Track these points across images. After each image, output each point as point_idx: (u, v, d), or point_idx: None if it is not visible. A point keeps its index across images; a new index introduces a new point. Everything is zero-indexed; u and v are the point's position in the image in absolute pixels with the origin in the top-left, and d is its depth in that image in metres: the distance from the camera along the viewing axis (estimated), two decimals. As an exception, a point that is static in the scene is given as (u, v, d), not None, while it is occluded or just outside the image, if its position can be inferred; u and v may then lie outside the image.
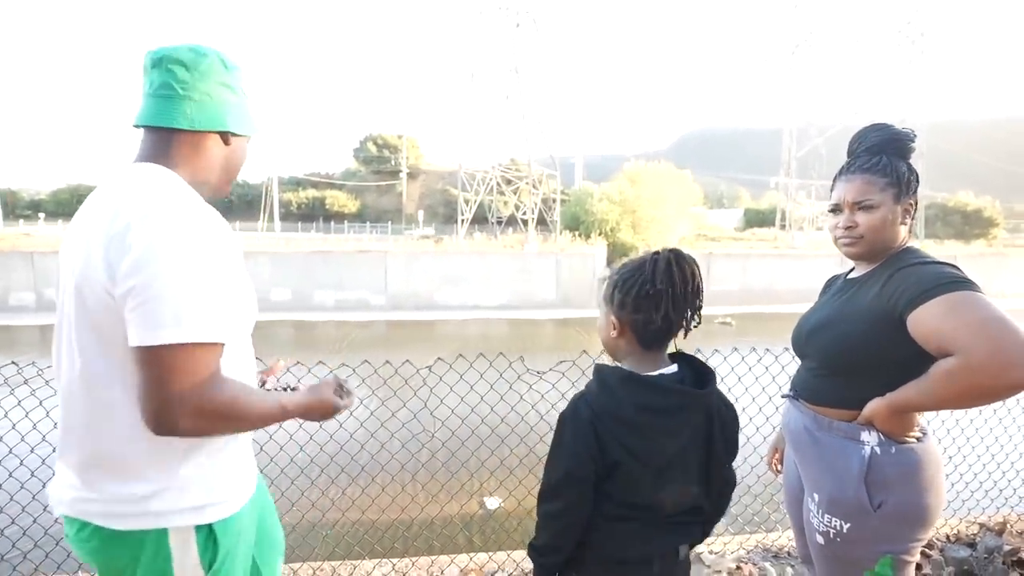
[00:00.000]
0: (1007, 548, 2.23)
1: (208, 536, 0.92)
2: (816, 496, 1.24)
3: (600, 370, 1.03)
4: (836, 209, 1.26)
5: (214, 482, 0.92)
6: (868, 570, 1.18)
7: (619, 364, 1.05)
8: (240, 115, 0.99)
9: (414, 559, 2.29)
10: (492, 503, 4.20)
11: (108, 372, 0.85)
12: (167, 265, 0.80)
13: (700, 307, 1.00)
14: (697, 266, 1.00)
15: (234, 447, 0.97)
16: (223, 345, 0.86)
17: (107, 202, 0.87)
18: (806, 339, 1.30)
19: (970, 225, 34.17)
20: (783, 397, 1.44)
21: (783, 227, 32.86)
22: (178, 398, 0.80)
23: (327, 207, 41.64)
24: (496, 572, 2.23)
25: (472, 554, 2.37)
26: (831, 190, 1.31)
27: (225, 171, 1.02)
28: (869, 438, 1.15)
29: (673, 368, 1.03)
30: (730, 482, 1.12)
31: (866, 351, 1.14)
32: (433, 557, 2.32)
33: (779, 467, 1.58)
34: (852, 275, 1.30)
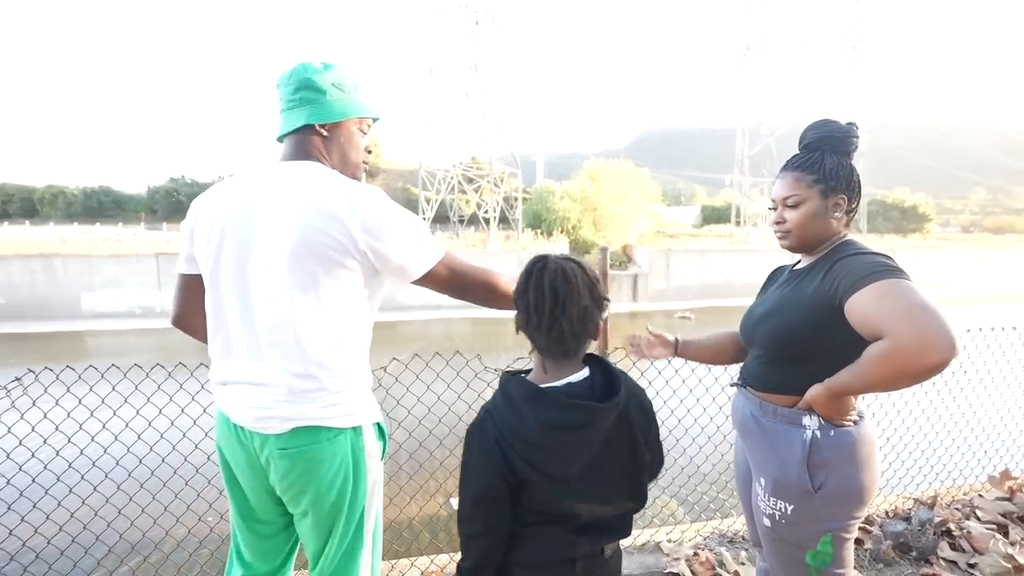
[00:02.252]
0: (937, 520, 2.38)
1: (379, 431, 1.22)
2: (763, 480, 1.27)
3: (505, 384, 0.97)
4: (772, 207, 1.32)
5: (369, 391, 1.21)
6: (811, 549, 1.22)
7: (523, 374, 1.01)
8: (320, 110, 1.17)
9: (373, 564, 2.23)
10: (456, 503, 4.15)
11: (322, 307, 1.08)
12: (398, 221, 1.11)
13: (559, 331, 0.93)
14: (575, 283, 0.93)
15: None
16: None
17: (319, 192, 1.08)
18: (754, 328, 1.33)
19: (907, 220, 36.41)
20: (731, 385, 1.47)
21: (738, 223, 34.05)
22: (469, 287, 1.20)
23: (283, 207, 40.20)
24: (458, 572, 2.21)
25: (433, 556, 2.33)
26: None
27: (342, 156, 1.21)
28: (810, 422, 1.19)
29: (583, 374, 0.97)
30: (652, 479, 1.07)
31: (809, 338, 1.18)
32: (393, 561, 2.28)
33: None
34: (797, 266, 1.35)
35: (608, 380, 0.99)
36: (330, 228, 1.05)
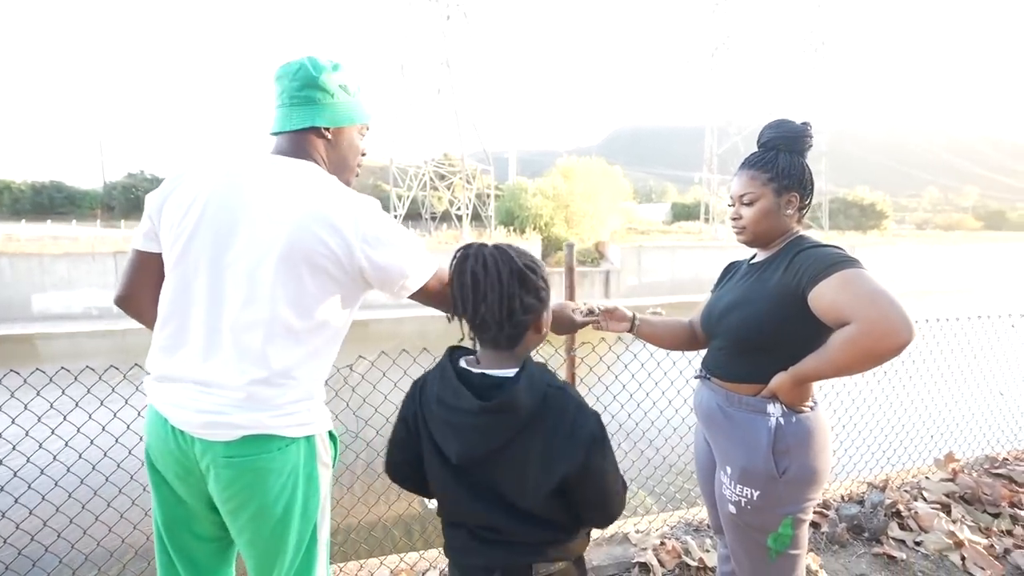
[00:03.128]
0: (888, 502, 2.50)
1: (331, 439, 1.18)
2: (729, 469, 1.31)
3: (446, 353, 1.02)
4: (731, 203, 1.39)
5: (323, 398, 1.17)
6: (773, 532, 1.27)
7: (459, 353, 1.03)
8: (329, 113, 1.13)
9: (341, 564, 2.21)
10: (429, 502, 4.12)
11: (301, 314, 1.04)
12: (398, 237, 1.09)
13: (481, 318, 0.94)
14: (495, 271, 0.93)
15: None
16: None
17: (302, 189, 1.04)
18: (717, 320, 1.37)
19: (866, 217, 37.95)
20: (695, 377, 1.50)
21: (707, 220, 34.86)
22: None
23: (250, 203, 39.08)
24: (428, 570, 2.20)
25: (402, 554, 2.32)
26: None
27: (341, 160, 1.19)
28: (774, 410, 1.24)
29: (507, 372, 0.94)
30: (597, 505, 0.96)
31: (775, 328, 1.22)
32: (362, 561, 2.26)
33: None
34: (754, 260, 1.40)
35: (529, 388, 0.91)
36: (329, 238, 1.02)
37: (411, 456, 1.02)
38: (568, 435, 0.91)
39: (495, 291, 0.92)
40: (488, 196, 26.33)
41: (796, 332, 1.20)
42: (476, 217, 26.43)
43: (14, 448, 1.75)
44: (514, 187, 27.48)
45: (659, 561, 2.19)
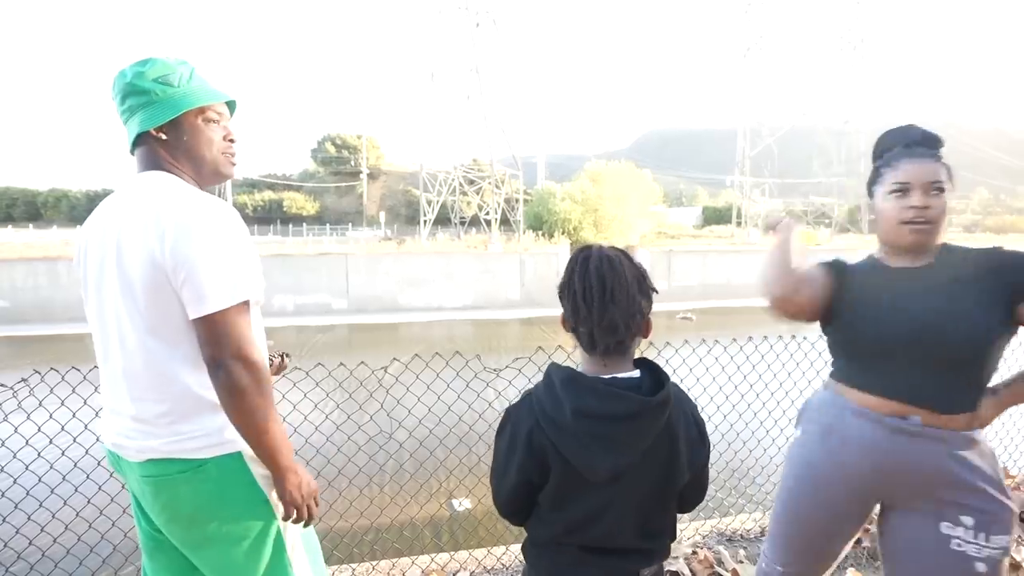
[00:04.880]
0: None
1: None
2: (970, 519, 1.08)
3: (549, 369, 0.95)
4: (903, 189, 1.13)
5: None
6: None
7: (570, 364, 0.97)
8: (149, 113, 1.07)
9: (374, 563, 2.26)
10: (458, 504, 4.19)
11: (157, 331, 1.02)
12: (204, 250, 0.99)
13: (610, 319, 0.89)
14: (622, 270, 0.91)
15: None
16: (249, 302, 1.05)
17: (138, 206, 1.03)
18: (919, 335, 1.10)
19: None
20: (897, 430, 1.13)
21: (739, 224, 34.05)
22: (246, 358, 1.01)
23: (285, 209, 40.61)
24: (458, 571, 2.23)
25: (433, 555, 2.36)
26: (876, 176, 1.20)
27: (192, 155, 1.12)
28: (982, 438, 1.11)
29: (633, 374, 0.93)
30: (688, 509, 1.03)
31: (991, 341, 1.09)
32: (394, 560, 2.30)
33: None
34: (900, 264, 1.18)
35: (657, 384, 0.92)
36: (142, 245, 1.00)
37: (531, 486, 0.94)
38: (695, 423, 0.97)
39: (623, 291, 0.90)
40: (517, 201, 26.43)
41: (999, 344, 1.09)
42: (505, 222, 26.56)
43: (75, 440, 1.87)
44: (543, 191, 27.51)
45: (691, 570, 2.16)
